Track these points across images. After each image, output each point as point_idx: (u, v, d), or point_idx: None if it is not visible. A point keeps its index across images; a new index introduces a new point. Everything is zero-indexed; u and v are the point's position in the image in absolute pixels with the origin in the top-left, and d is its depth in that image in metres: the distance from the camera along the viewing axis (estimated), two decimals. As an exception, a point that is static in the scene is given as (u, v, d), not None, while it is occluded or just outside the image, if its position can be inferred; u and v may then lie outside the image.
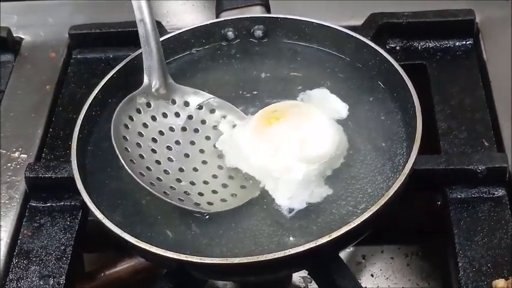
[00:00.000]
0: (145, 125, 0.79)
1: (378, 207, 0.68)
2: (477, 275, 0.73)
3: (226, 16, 0.91)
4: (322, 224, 0.72)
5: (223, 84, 0.87)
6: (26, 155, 0.87)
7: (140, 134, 0.79)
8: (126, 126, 0.78)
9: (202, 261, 0.66)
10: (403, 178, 0.71)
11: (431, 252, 0.97)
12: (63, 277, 0.76)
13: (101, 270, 0.85)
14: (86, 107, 0.81)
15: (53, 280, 0.76)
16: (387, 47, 0.93)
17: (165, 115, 0.81)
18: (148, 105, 0.80)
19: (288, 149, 0.75)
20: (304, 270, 0.87)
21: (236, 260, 0.66)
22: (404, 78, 0.79)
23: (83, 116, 0.80)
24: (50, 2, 1.05)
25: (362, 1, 0.98)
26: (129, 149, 0.76)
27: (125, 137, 0.77)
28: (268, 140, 0.76)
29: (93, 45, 0.97)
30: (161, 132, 0.80)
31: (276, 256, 0.66)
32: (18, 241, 0.79)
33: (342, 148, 0.77)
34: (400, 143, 0.78)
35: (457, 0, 0.95)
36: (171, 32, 0.90)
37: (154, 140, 0.79)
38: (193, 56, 0.89)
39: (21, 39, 1.00)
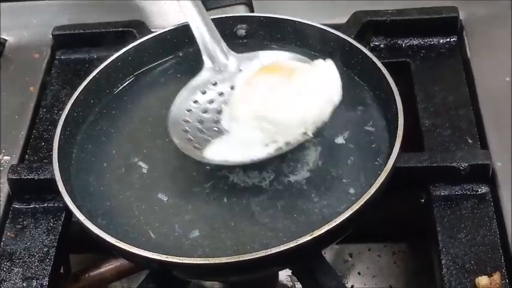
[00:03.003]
0: (211, 101, 0.80)
1: (359, 205, 0.68)
2: (460, 272, 0.73)
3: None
4: (304, 223, 0.72)
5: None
6: (9, 157, 0.86)
7: (204, 111, 0.79)
8: (189, 110, 0.79)
9: (182, 262, 0.66)
10: (385, 176, 0.71)
11: (418, 250, 0.98)
12: (46, 279, 0.76)
13: (86, 272, 0.85)
14: (68, 109, 0.81)
15: (36, 282, 0.76)
16: (371, 45, 0.93)
17: (233, 87, 0.81)
18: (215, 84, 0.81)
19: (252, 103, 0.74)
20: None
21: (216, 260, 0.66)
22: (386, 75, 0.79)
23: (64, 117, 0.80)
24: (34, 3, 1.05)
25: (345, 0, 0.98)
26: (189, 129, 0.77)
27: (186, 121, 0.78)
28: (246, 88, 0.76)
29: (76, 46, 0.97)
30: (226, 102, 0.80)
31: (257, 256, 0.66)
32: (1, 243, 0.79)
33: (305, 127, 0.74)
34: (383, 141, 0.78)
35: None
36: (153, 32, 0.90)
37: (219, 112, 0.79)
38: (176, 56, 0.89)
39: (5, 40, 1.00)
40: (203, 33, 0.82)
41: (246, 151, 0.74)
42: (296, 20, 0.87)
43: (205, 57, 0.82)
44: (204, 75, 0.82)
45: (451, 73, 0.90)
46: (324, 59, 0.78)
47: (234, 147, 0.74)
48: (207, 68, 0.82)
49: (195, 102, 0.80)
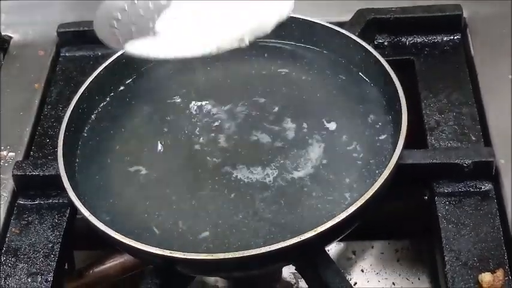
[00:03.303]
0: (149, 7, 0.76)
1: (363, 202, 0.69)
2: (463, 269, 0.73)
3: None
4: (308, 219, 0.72)
5: (211, 81, 0.87)
6: (14, 153, 0.87)
7: (140, 14, 0.76)
8: (124, 10, 0.76)
9: (186, 257, 0.67)
10: (388, 173, 0.71)
11: (421, 247, 0.98)
12: (51, 274, 0.76)
13: (90, 268, 0.85)
14: (73, 105, 0.81)
15: (41, 277, 0.76)
16: (375, 42, 0.93)
17: None
18: None
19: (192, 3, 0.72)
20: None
21: (220, 256, 0.66)
22: (390, 72, 0.79)
23: (69, 114, 0.80)
24: (39, 0, 1.05)
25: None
26: (117, 25, 0.74)
27: (117, 18, 0.75)
28: None
29: (81, 43, 0.97)
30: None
31: (260, 251, 0.66)
32: (6, 239, 0.80)
33: (242, 33, 0.69)
34: (386, 138, 0.78)
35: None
36: (158, 29, 0.90)
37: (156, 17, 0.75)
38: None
39: (10, 37, 1.00)
40: None
41: (172, 49, 0.70)
42: (300, 18, 0.87)
43: None
44: None
45: (454, 71, 0.90)
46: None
47: (160, 44, 0.71)
48: None
49: (133, 3, 0.76)
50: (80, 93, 0.82)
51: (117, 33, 0.74)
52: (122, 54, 0.86)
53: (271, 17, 0.71)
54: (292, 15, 0.86)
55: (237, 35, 0.69)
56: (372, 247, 0.98)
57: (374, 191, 0.70)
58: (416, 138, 0.84)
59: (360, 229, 0.74)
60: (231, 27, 0.69)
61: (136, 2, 0.76)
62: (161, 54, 0.70)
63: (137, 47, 0.71)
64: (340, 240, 0.94)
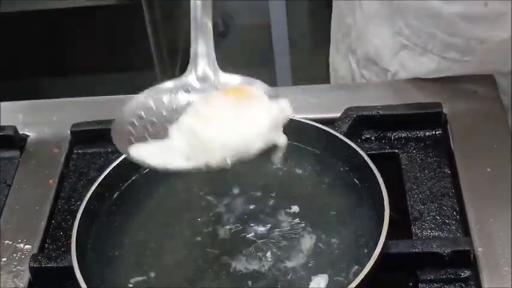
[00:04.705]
0: (175, 107, 0.82)
1: (349, 292, 0.75)
2: None
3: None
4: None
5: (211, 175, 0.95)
6: (30, 246, 0.93)
7: (162, 114, 0.81)
8: (150, 107, 0.82)
9: None
10: (372, 263, 0.78)
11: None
12: None
13: None
14: (84, 205, 0.88)
15: None
16: (363, 137, 1.00)
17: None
18: (189, 91, 0.82)
19: (194, 117, 0.78)
20: None
21: None
22: (374, 170, 0.86)
23: (81, 211, 0.87)
24: (53, 101, 1.14)
25: (339, 97, 1.07)
26: (136, 122, 0.81)
27: (141, 117, 0.81)
28: (201, 102, 0.80)
29: (92, 141, 1.05)
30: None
31: None
32: (22, 329, 0.86)
33: (225, 153, 0.75)
34: (373, 230, 0.85)
35: (428, 93, 1.05)
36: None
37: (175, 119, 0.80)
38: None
39: (27, 136, 1.07)
40: (198, 41, 0.82)
41: (168, 159, 0.77)
42: (293, 118, 0.94)
43: (191, 64, 0.83)
44: (183, 80, 0.83)
45: (436, 163, 0.97)
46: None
47: (160, 152, 0.77)
48: (189, 74, 0.83)
49: (162, 102, 0.82)
50: (91, 192, 0.89)
51: (133, 140, 0.81)
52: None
53: (257, 141, 0.76)
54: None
55: (222, 154, 0.75)
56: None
57: (359, 281, 0.76)
58: (403, 228, 0.91)
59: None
60: (214, 145, 0.75)
61: (154, 108, 0.83)
62: (155, 163, 0.77)
63: (138, 152, 0.79)
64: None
